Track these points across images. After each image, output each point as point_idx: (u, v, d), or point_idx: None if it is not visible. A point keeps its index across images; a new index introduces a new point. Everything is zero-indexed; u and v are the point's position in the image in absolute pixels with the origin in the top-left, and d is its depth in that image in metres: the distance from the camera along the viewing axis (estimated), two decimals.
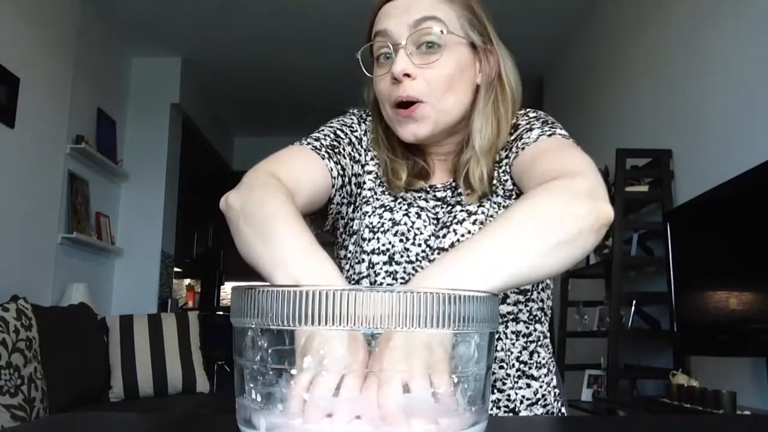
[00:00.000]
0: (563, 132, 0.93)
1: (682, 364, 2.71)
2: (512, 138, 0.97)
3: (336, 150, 0.97)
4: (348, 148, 0.99)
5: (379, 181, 1.01)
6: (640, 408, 2.54)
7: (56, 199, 3.81)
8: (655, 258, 3.05)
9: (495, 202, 0.96)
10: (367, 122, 1.06)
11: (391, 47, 0.92)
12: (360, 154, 1.02)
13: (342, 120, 1.04)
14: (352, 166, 0.99)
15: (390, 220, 0.95)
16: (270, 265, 0.70)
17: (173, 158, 5.14)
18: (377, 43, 0.94)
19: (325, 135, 0.99)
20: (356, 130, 1.03)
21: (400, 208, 0.96)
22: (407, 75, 0.91)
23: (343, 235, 1.02)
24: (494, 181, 0.97)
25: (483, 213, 0.94)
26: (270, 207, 0.77)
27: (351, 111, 1.08)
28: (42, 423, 0.84)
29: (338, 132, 1.00)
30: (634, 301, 3.04)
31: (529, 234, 0.68)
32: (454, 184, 1.00)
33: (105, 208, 4.49)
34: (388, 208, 0.97)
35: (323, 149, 0.95)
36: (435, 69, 0.91)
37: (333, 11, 4.24)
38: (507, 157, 0.97)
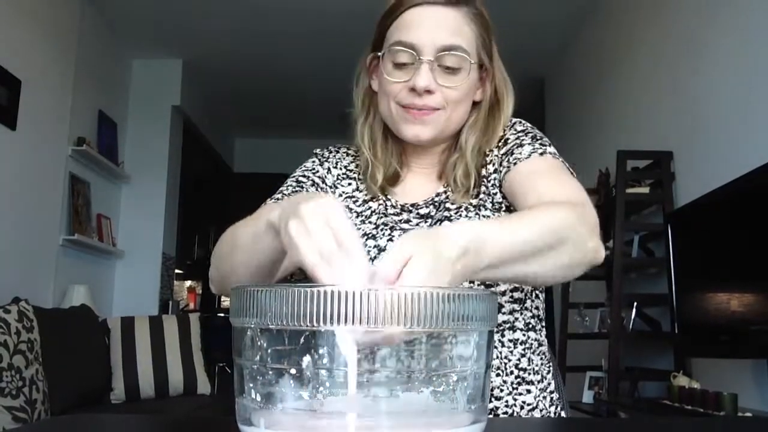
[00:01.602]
0: (553, 150, 0.96)
1: (683, 365, 2.70)
2: (502, 152, 0.99)
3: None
4: (311, 190, 1.02)
5: (356, 213, 1.03)
6: (641, 410, 2.54)
7: (57, 200, 3.82)
8: (656, 259, 3.04)
9: (484, 215, 0.97)
10: (329, 159, 1.08)
11: (416, 58, 0.93)
12: (326, 193, 1.04)
13: (303, 166, 1.07)
14: None
15: (375, 247, 0.96)
16: (252, 239, 0.76)
17: (174, 160, 5.14)
18: (397, 50, 0.94)
19: (287, 186, 1.02)
20: (318, 171, 1.06)
21: (383, 234, 0.98)
22: (428, 91, 0.93)
23: None
24: (482, 195, 0.99)
25: None
26: (230, 235, 0.85)
27: (314, 152, 1.11)
28: (43, 425, 0.84)
29: (299, 179, 1.03)
30: (635, 303, 3.04)
31: (550, 244, 0.72)
32: (437, 200, 1.01)
33: (106, 210, 4.50)
34: (370, 236, 0.98)
35: (284, 198, 0.99)
36: (454, 91, 0.94)
37: (334, 13, 4.25)
38: (497, 171, 0.98)
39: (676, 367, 2.73)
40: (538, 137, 0.98)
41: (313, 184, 1.03)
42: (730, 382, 2.42)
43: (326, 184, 1.05)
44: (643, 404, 2.64)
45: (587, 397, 3.36)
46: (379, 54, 0.98)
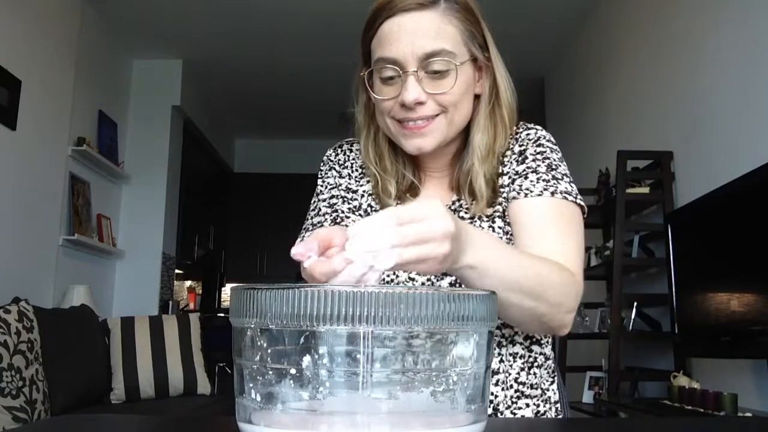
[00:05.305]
0: (565, 186, 0.94)
1: (683, 365, 2.70)
2: (517, 169, 0.97)
3: (337, 221, 1.01)
4: (344, 208, 1.02)
5: (373, 210, 1.02)
6: (641, 410, 2.54)
7: (57, 200, 3.82)
8: (656, 259, 3.05)
9: (499, 227, 0.96)
10: (345, 164, 1.07)
11: (401, 72, 0.90)
12: (358, 204, 1.04)
13: (326, 183, 1.06)
14: (359, 212, 1.03)
15: None
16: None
17: (174, 160, 5.14)
18: (381, 66, 0.91)
19: (318, 212, 1.03)
20: (341, 184, 1.05)
21: None
22: (419, 102, 0.90)
23: None
24: (496, 205, 0.97)
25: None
26: None
27: (328, 159, 1.09)
28: (43, 425, 0.84)
29: (331, 202, 1.03)
30: (635, 303, 3.04)
31: (534, 290, 0.80)
32: (455, 206, 1.00)
33: (106, 210, 4.50)
34: None
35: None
36: (446, 96, 0.91)
37: (334, 13, 4.25)
38: (509, 186, 0.97)
39: (676, 367, 2.73)
40: (554, 165, 0.96)
41: (345, 200, 1.03)
42: (730, 382, 2.42)
43: (352, 191, 1.04)
44: (643, 404, 2.64)
45: (587, 397, 3.36)
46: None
